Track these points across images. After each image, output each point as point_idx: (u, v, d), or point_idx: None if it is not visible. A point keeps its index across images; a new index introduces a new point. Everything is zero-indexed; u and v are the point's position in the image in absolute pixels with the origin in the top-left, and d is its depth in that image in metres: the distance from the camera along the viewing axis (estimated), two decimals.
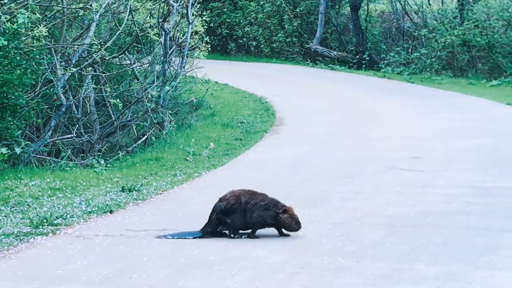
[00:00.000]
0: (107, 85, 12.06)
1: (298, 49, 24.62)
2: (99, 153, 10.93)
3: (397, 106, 14.56)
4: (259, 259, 5.62)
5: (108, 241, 6.18)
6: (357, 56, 22.57)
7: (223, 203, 6.20)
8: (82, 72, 11.36)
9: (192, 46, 14.28)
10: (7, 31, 9.38)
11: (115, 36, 11.93)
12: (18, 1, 10.06)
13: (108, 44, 11.65)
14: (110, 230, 6.51)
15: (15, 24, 9.31)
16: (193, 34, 14.19)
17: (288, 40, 24.65)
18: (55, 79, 10.60)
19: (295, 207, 6.29)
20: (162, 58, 12.73)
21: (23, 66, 9.75)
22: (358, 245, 5.89)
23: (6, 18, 9.48)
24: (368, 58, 22.33)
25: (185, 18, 13.59)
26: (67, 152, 10.60)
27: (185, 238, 6.19)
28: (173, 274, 5.29)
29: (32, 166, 9.84)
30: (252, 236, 6.22)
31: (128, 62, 13.31)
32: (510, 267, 5.30)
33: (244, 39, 25.86)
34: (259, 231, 6.25)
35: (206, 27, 15.31)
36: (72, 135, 11.03)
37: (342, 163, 9.45)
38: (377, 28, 24.09)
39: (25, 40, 9.88)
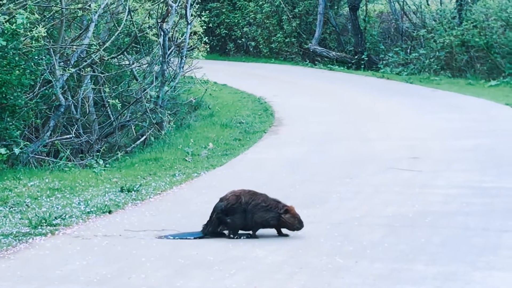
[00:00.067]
0: (106, 85, 12.06)
1: (297, 50, 24.61)
2: (98, 153, 10.93)
3: (396, 106, 14.56)
4: (258, 259, 5.62)
5: (107, 241, 6.18)
6: (356, 57, 22.57)
7: (223, 203, 6.21)
8: (81, 73, 11.36)
9: (191, 46, 14.28)
10: (6, 31, 9.38)
11: (113, 37, 11.93)
12: (17, 2, 10.06)
13: (107, 44, 11.65)
14: (109, 231, 6.51)
15: (14, 24, 9.31)
16: (192, 34, 14.19)
17: (287, 40, 24.64)
18: (54, 79, 10.60)
19: (294, 207, 6.28)
20: (161, 58, 12.72)
21: (22, 66, 9.75)
22: (357, 245, 5.89)
23: (5, 18, 9.48)
24: (366, 59, 22.32)
25: (184, 19, 13.59)
26: (66, 152, 10.61)
27: (186, 239, 6.20)
28: (172, 274, 5.29)
29: (31, 167, 9.84)
30: (252, 236, 6.22)
31: (127, 62, 13.30)
32: (509, 267, 5.30)
33: (243, 40, 25.84)
34: (258, 231, 6.26)
35: (205, 27, 15.31)
36: (71, 136, 11.02)
37: (341, 163, 9.45)
38: (376, 29, 24.10)
39: (24, 40, 9.88)
